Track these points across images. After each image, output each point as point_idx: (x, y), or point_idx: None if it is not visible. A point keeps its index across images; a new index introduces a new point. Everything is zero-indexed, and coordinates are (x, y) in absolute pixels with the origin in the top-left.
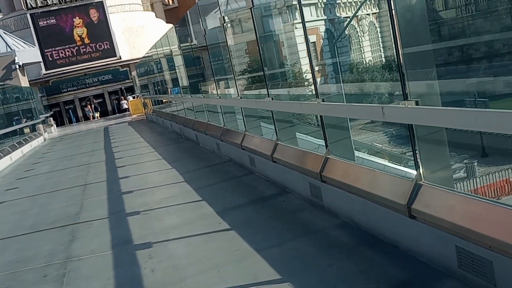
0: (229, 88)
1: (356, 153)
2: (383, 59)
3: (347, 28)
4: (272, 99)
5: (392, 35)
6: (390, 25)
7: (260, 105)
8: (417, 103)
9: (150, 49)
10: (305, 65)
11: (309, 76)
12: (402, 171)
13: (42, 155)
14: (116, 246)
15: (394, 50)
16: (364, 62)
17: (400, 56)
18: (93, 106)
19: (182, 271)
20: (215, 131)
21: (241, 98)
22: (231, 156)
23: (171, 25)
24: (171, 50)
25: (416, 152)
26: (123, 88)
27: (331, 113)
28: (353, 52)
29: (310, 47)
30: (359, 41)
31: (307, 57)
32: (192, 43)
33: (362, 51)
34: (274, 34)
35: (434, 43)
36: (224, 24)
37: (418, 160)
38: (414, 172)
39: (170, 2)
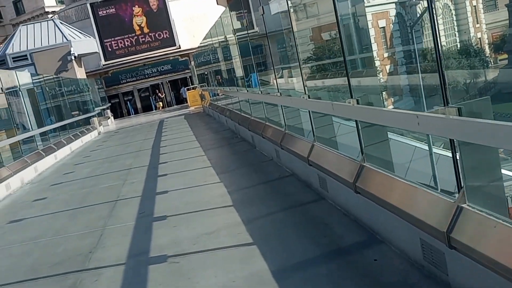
0: (293, 81)
1: None
2: (458, 44)
3: (419, 12)
4: (358, 101)
5: None
6: None
7: (340, 111)
8: None
9: (205, 38)
10: (374, 52)
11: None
12: None
13: (89, 153)
14: None
15: None
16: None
17: None
18: (155, 96)
19: None
20: (274, 135)
21: (309, 97)
22: (294, 169)
23: (233, 13)
24: (226, 38)
25: None
26: (188, 77)
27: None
28: (426, 37)
29: (380, 32)
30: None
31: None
32: (248, 30)
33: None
34: (346, 18)
35: None
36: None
37: None
38: None
39: None
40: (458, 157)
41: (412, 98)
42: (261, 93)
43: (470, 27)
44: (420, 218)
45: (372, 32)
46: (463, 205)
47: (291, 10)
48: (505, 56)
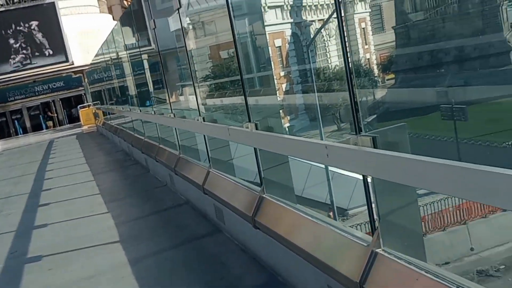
0: (192, 100)
1: None
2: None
3: (313, 33)
4: (257, 126)
5: None
6: None
7: (237, 136)
8: None
9: (97, 55)
10: (274, 71)
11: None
12: None
13: None
14: None
15: None
16: (330, 68)
17: None
18: (45, 115)
19: None
20: (168, 159)
21: (203, 119)
22: (189, 197)
23: (128, 29)
24: (118, 55)
25: None
26: (82, 95)
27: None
28: (319, 57)
29: (276, 51)
30: (325, 45)
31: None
32: (146, 47)
33: (329, 56)
34: (244, 37)
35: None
36: (186, 26)
37: None
38: None
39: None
40: (371, 193)
41: (307, 116)
42: (154, 113)
43: (359, 48)
44: (327, 263)
45: (269, 51)
46: (378, 250)
47: (190, 27)
48: (393, 76)
